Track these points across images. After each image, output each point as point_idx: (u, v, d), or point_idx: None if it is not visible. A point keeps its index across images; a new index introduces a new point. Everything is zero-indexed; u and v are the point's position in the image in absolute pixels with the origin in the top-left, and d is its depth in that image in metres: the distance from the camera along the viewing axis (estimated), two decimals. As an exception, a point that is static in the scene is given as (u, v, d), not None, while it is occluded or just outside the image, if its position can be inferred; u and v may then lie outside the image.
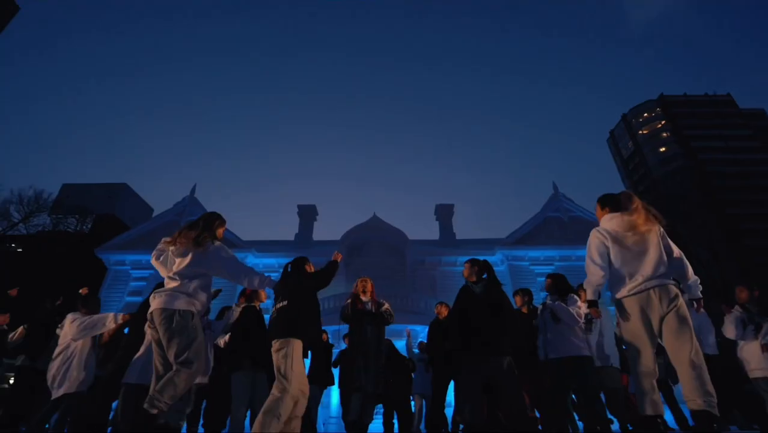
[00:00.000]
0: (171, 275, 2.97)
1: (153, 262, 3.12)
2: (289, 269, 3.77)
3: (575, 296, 4.06)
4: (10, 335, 5.54)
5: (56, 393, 4.04)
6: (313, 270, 3.81)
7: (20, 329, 5.47)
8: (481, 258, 4.11)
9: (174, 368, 2.67)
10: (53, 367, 4.09)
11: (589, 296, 2.86)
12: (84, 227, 38.33)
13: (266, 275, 3.35)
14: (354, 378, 4.24)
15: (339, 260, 3.76)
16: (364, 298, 4.68)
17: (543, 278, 4.98)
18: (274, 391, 3.08)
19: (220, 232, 3.24)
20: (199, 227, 3.09)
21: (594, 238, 2.87)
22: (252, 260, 18.46)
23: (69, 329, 4.23)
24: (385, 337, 4.80)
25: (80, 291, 5.25)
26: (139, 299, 16.59)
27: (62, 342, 4.24)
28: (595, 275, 2.78)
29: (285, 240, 21.79)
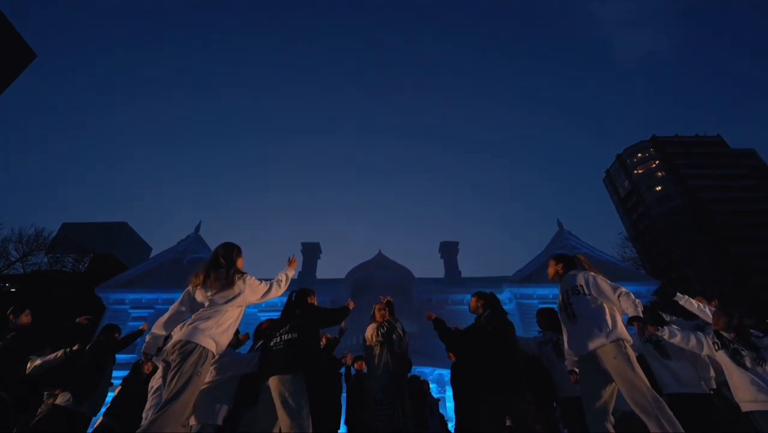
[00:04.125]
0: (200, 311, 2.89)
1: (183, 297, 3.03)
2: (293, 298, 3.75)
3: None
4: (49, 356, 5.08)
5: None
6: (315, 302, 3.85)
7: (60, 352, 5.03)
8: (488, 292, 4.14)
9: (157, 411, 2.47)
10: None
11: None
12: (81, 267, 37.75)
13: (277, 282, 3.33)
14: (387, 422, 3.70)
15: (351, 308, 3.84)
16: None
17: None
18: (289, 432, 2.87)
19: (240, 262, 3.21)
20: (223, 265, 3.05)
21: None
22: (254, 298, 18.04)
23: None
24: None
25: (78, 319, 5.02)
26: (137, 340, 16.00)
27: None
28: None
29: (288, 278, 21.47)
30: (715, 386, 3.66)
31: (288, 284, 3.37)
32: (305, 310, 3.59)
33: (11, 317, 4.82)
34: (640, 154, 60.31)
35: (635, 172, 59.39)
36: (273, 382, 3.07)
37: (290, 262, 3.62)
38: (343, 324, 4.91)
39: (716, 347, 3.32)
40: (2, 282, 32.24)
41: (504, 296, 18.56)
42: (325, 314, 3.67)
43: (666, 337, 3.46)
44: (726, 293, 31.74)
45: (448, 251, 22.14)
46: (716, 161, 56.15)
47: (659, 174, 56.83)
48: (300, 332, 3.32)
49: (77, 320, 5.65)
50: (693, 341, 3.40)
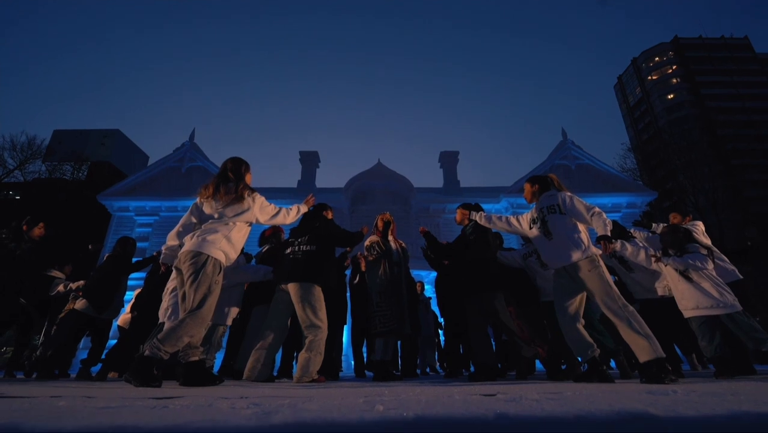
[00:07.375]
0: (208, 223, 2.90)
1: (193, 208, 3.05)
2: (312, 208, 3.93)
3: None
4: (71, 285, 5.75)
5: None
6: (331, 217, 4.08)
7: (81, 282, 5.65)
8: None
9: (182, 316, 2.62)
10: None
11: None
12: (80, 174, 37.80)
13: (286, 207, 3.41)
14: (384, 322, 4.03)
15: (365, 233, 4.03)
16: (390, 236, 4.53)
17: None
18: (310, 334, 3.34)
19: (249, 178, 3.20)
20: (233, 180, 3.04)
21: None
22: (256, 207, 18.35)
23: None
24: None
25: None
26: (145, 244, 16.65)
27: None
28: None
29: (287, 187, 21.59)
30: (666, 293, 4.09)
31: (298, 216, 3.45)
32: (325, 225, 3.81)
33: (25, 227, 4.93)
34: (657, 58, 56.58)
35: (649, 78, 56.31)
36: (293, 288, 3.42)
37: (306, 200, 3.70)
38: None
39: (663, 261, 3.74)
40: (5, 190, 32.54)
41: (501, 205, 18.90)
42: (342, 235, 3.86)
43: (617, 249, 3.98)
44: (718, 203, 32.41)
45: (448, 160, 21.93)
46: (737, 67, 52.93)
47: (674, 81, 53.97)
48: (318, 245, 3.61)
49: (90, 247, 6.21)
50: (642, 255, 3.92)
